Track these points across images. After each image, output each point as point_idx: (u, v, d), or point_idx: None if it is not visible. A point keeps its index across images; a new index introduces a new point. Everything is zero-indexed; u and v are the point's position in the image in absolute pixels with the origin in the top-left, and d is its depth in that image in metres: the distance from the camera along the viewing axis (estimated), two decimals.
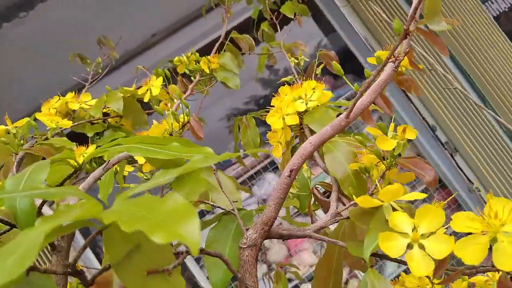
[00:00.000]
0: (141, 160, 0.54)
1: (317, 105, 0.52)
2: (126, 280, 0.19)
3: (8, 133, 0.54)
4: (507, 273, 0.22)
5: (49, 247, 0.28)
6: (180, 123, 0.49)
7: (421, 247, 0.23)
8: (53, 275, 0.23)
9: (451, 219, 0.27)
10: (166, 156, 0.24)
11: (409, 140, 0.43)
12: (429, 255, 0.22)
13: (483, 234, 0.22)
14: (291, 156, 0.52)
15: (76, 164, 0.32)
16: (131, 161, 0.63)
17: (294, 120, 0.51)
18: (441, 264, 0.23)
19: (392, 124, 0.42)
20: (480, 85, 2.46)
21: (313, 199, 0.47)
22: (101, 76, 0.90)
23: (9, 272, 0.13)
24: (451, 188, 2.61)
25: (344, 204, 0.39)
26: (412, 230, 0.24)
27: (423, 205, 0.24)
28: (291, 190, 0.46)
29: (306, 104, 0.51)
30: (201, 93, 0.82)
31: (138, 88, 0.70)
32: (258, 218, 0.28)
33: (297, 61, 0.72)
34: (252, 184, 2.66)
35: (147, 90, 0.66)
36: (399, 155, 0.40)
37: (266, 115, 0.69)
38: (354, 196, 0.40)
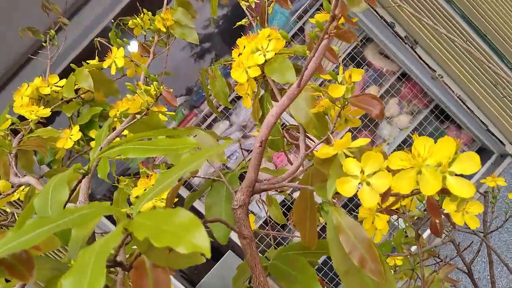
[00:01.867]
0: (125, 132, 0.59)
1: (275, 54, 0.56)
2: (155, 259, 0.26)
3: None
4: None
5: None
6: (154, 96, 0.53)
7: (368, 184, 0.30)
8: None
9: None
10: (160, 153, 0.29)
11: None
12: (374, 190, 0.30)
13: (411, 169, 0.29)
14: (259, 105, 0.58)
15: (84, 171, 0.37)
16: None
17: (256, 72, 0.56)
18: (385, 195, 0.30)
19: (341, 68, 0.47)
20: None
21: (286, 141, 0.54)
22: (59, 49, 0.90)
23: None
24: (415, 79, 2.72)
25: (311, 145, 0.46)
26: (360, 172, 0.31)
27: (366, 152, 0.31)
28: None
29: (264, 55, 0.56)
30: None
31: (101, 61, 0.72)
32: (243, 182, 0.34)
33: (247, 3, 0.74)
34: (230, 114, 2.71)
35: (112, 62, 0.68)
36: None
37: (230, 62, 0.73)
38: (318, 136, 0.47)
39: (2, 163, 0.57)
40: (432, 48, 2.50)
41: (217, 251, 2.87)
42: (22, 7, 1.73)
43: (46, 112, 0.64)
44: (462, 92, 2.60)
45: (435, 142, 0.30)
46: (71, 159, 0.68)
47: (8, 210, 0.68)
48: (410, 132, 2.83)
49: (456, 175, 0.28)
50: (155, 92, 0.52)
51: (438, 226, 0.46)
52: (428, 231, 2.65)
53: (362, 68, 2.79)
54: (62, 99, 0.73)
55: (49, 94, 0.72)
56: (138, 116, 0.53)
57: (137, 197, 0.49)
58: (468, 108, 2.62)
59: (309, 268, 0.36)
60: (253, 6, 0.75)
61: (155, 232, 0.20)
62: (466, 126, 2.75)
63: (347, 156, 0.32)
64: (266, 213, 0.86)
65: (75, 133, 0.64)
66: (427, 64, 2.57)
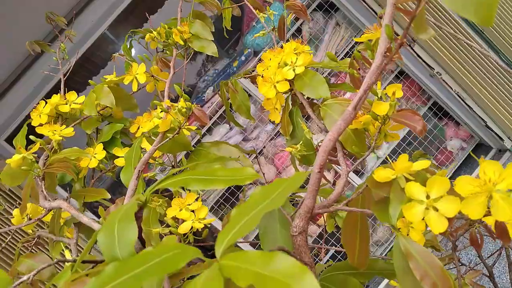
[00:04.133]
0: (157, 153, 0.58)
1: (305, 68, 0.55)
2: None
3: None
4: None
5: None
6: (186, 115, 0.53)
7: (435, 209, 0.30)
8: None
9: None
10: (223, 184, 0.29)
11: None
12: (443, 215, 0.29)
13: (481, 194, 0.28)
14: (289, 119, 0.58)
15: (141, 203, 0.36)
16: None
17: (285, 87, 0.55)
18: (451, 219, 0.30)
19: (379, 83, 0.47)
20: None
21: None
22: (71, 67, 0.89)
23: None
24: (413, 77, 2.73)
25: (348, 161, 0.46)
26: (426, 197, 0.30)
27: (431, 176, 0.30)
28: (299, 152, 0.52)
29: (294, 70, 0.55)
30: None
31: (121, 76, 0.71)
32: (299, 209, 0.34)
33: (265, 15, 0.74)
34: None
35: (133, 78, 0.67)
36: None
37: (249, 75, 0.72)
38: (357, 152, 0.47)
39: (30, 187, 0.56)
40: (429, 46, 2.51)
41: None
42: (22, 17, 1.71)
43: (70, 132, 0.63)
44: (460, 88, 2.62)
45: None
46: (94, 178, 0.67)
47: (30, 231, 0.67)
48: (409, 130, 2.85)
49: None
50: (186, 111, 0.52)
51: (479, 239, 0.46)
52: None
53: (360, 68, 2.80)
54: (81, 116, 0.72)
55: (66, 112, 0.71)
56: (169, 135, 0.53)
57: (174, 218, 0.48)
58: (467, 104, 2.64)
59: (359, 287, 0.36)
60: (272, 18, 0.74)
61: (259, 278, 0.19)
62: (464, 122, 2.77)
63: (407, 180, 0.32)
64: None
65: (99, 152, 0.63)
66: (425, 62, 2.58)
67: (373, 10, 2.50)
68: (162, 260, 0.22)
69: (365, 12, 2.52)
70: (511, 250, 0.84)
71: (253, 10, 0.75)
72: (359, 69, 0.51)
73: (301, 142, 0.52)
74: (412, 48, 2.56)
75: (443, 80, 2.60)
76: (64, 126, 0.65)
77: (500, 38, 2.58)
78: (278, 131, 2.70)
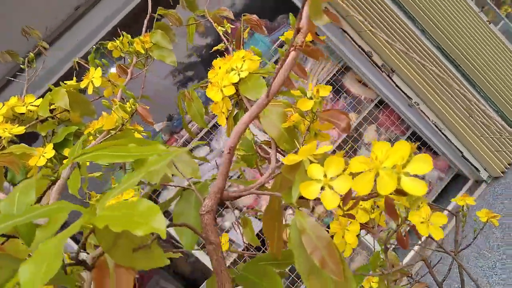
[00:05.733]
0: None
1: (249, 73, 0.58)
2: (118, 259, 0.26)
3: None
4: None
5: None
6: (129, 112, 0.54)
7: (330, 187, 0.31)
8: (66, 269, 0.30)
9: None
10: (131, 159, 0.30)
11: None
12: (336, 192, 0.31)
13: (370, 171, 0.30)
14: (234, 122, 0.59)
15: (54, 178, 0.37)
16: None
17: (230, 91, 0.57)
18: (346, 196, 0.31)
19: (310, 84, 0.49)
20: (407, 6, 2.57)
21: (259, 156, 0.55)
22: (38, 71, 0.91)
23: (37, 278, 0.20)
24: (392, 106, 2.79)
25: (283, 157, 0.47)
26: (324, 176, 0.32)
27: (329, 156, 0.32)
28: (238, 153, 0.53)
29: (239, 74, 0.57)
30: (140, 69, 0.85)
31: (80, 81, 0.72)
32: (211, 188, 0.35)
33: (223, 29, 0.77)
34: (211, 139, 2.72)
35: (89, 82, 0.69)
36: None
37: (206, 85, 0.74)
38: (288, 150, 0.48)
39: None
40: (408, 76, 2.59)
41: (192, 281, 2.81)
42: (1, 31, 1.73)
43: (20, 130, 0.63)
44: (438, 119, 2.68)
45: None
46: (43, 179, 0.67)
47: None
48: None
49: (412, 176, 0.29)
50: (130, 108, 0.53)
51: (404, 238, 0.48)
52: (410, 255, 2.65)
53: (340, 95, 2.86)
54: (37, 118, 0.73)
55: (24, 114, 0.72)
56: (112, 132, 0.54)
57: None
58: (444, 135, 2.70)
59: (274, 276, 0.37)
60: (229, 31, 0.77)
61: (114, 219, 0.21)
62: (442, 153, 2.82)
63: (311, 163, 0.34)
64: (243, 239, 0.86)
65: (49, 151, 0.64)
66: (403, 92, 2.65)
67: (356, 43, 2.58)
68: (42, 211, 0.24)
69: (348, 44, 2.60)
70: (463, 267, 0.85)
71: (213, 23, 0.78)
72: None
73: (240, 142, 0.54)
74: (391, 78, 2.63)
75: (421, 110, 2.66)
76: (16, 125, 0.66)
77: (476, 71, 2.67)
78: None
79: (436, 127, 2.69)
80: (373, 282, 0.90)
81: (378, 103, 2.87)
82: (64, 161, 0.43)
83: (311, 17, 0.35)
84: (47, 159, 0.64)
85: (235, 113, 0.60)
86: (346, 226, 0.54)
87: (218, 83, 0.59)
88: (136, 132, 0.65)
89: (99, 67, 0.69)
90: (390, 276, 0.81)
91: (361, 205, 0.54)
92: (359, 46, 2.57)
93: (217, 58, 0.65)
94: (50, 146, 0.65)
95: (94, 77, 0.68)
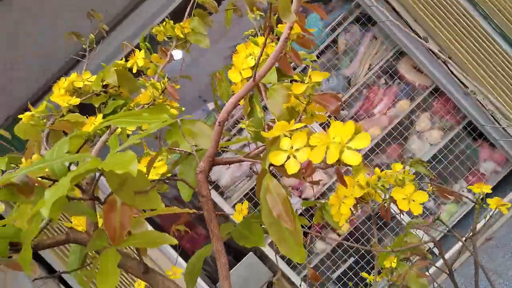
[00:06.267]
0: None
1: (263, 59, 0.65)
2: (123, 199, 0.36)
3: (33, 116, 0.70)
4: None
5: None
6: (159, 89, 0.64)
7: (294, 157, 0.39)
8: (84, 202, 0.41)
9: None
10: (137, 124, 0.39)
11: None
12: (297, 160, 0.38)
13: (323, 145, 0.37)
14: (249, 102, 0.67)
15: (85, 137, 0.48)
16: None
17: (248, 74, 0.65)
18: (308, 165, 0.38)
19: (310, 70, 0.55)
20: None
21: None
22: (96, 50, 1.04)
23: (54, 195, 0.29)
24: (448, 94, 2.70)
25: None
26: (290, 148, 0.39)
27: (296, 132, 0.39)
28: (249, 129, 0.61)
29: (255, 59, 0.65)
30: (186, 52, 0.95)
31: (127, 60, 0.84)
32: (206, 154, 0.43)
33: (253, 16, 0.84)
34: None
35: (134, 62, 0.80)
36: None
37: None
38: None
39: (37, 142, 0.70)
40: (465, 64, 2.49)
41: (240, 253, 2.96)
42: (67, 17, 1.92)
43: (76, 101, 0.76)
44: (495, 109, 2.56)
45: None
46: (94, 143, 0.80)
47: None
48: (441, 148, 2.81)
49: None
50: (161, 86, 0.63)
51: (385, 209, 0.53)
52: (455, 248, 2.60)
53: (394, 81, 2.82)
54: (92, 92, 0.85)
55: (81, 88, 0.85)
56: (146, 106, 0.64)
57: None
58: (501, 126, 2.58)
59: (259, 230, 0.45)
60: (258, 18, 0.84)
61: (108, 164, 0.30)
62: (500, 145, 2.70)
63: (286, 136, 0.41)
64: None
65: (98, 120, 0.76)
66: (459, 80, 2.56)
67: (410, 27, 2.52)
68: (72, 157, 0.33)
69: (404, 28, 2.54)
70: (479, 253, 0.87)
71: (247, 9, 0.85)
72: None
73: (251, 119, 0.61)
74: (446, 65, 2.55)
75: (477, 100, 2.56)
76: (74, 97, 0.78)
77: None
78: None
79: (493, 117, 2.58)
80: (393, 262, 0.96)
81: (433, 91, 2.79)
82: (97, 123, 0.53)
83: (281, 16, 0.42)
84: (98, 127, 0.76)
85: (250, 94, 0.68)
86: (342, 199, 0.61)
87: (239, 66, 0.67)
88: (172, 108, 0.76)
89: (143, 50, 0.80)
90: (400, 253, 0.86)
91: (357, 181, 0.61)
92: (415, 31, 2.51)
93: None
94: (100, 116, 0.77)
95: (138, 58, 0.79)
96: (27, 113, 0.70)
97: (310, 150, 0.38)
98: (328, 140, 0.36)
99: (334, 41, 2.76)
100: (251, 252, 2.72)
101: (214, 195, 2.68)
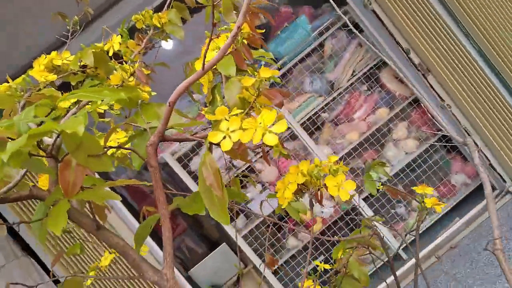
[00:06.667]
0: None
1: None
2: (78, 159, 0.41)
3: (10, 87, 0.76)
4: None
5: None
6: (128, 73, 0.70)
7: (229, 137, 0.45)
8: (47, 162, 0.46)
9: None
10: (96, 98, 0.45)
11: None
12: (231, 140, 0.45)
13: (252, 128, 0.43)
14: (212, 91, 0.74)
15: (52, 106, 0.53)
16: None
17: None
18: (240, 145, 0.45)
19: (262, 66, 0.62)
20: (453, 8, 2.54)
21: None
22: (79, 32, 1.09)
23: (13, 146, 0.35)
24: (426, 106, 2.80)
25: None
26: (227, 129, 0.46)
27: (231, 117, 0.46)
28: (207, 115, 0.67)
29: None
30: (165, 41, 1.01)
31: (105, 44, 0.89)
32: (156, 130, 0.50)
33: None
34: None
35: (111, 46, 0.85)
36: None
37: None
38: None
39: (13, 111, 0.75)
40: (443, 78, 2.59)
41: (214, 244, 3.03)
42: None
43: (53, 77, 0.81)
44: (468, 124, 2.67)
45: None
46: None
47: None
48: (416, 157, 2.91)
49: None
50: (130, 70, 0.69)
51: (319, 195, 0.60)
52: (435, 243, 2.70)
53: (375, 89, 2.90)
54: (70, 71, 0.91)
55: (60, 66, 0.90)
56: (115, 87, 0.70)
57: None
58: (473, 141, 2.68)
59: (202, 200, 0.51)
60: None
61: (62, 126, 0.36)
62: (471, 158, 2.81)
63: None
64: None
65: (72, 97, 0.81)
66: (437, 93, 2.66)
67: (393, 37, 2.61)
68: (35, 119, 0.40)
69: (387, 38, 2.63)
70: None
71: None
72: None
73: (210, 107, 0.68)
74: (425, 78, 2.64)
75: (453, 114, 2.66)
76: (52, 74, 0.84)
77: None
78: (287, 135, 2.84)
79: (466, 132, 2.68)
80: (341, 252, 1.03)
81: (412, 101, 2.88)
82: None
83: (224, 17, 0.48)
84: (71, 103, 0.81)
85: (214, 84, 0.74)
86: (287, 185, 0.68)
87: (202, 58, 0.73)
88: (144, 92, 0.81)
89: (120, 35, 0.85)
90: (347, 243, 0.93)
91: (301, 170, 0.67)
92: (398, 43, 2.60)
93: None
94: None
95: (115, 42, 0.85)
96: (5, 84, 0.75)
97: (242, 132, 0.44)
98: (256, 125, 0.43)
99: (321, 45, 2.83)
100: (224, 243, 2.79)
101: (191, 183, 2.73)
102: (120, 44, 0.85)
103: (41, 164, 0.44)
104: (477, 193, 2.92)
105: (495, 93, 2.58)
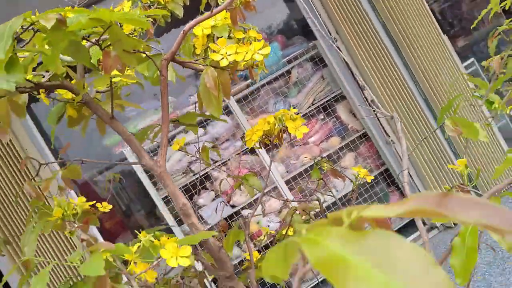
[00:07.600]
0: None
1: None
2: (117, 51, 0.57)
3: None
4: None
5: None
6: None
7: (226, 58, 0.63)
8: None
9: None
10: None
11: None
12: (228, 60, 0.62)
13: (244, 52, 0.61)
14: (205, 52, 0.91)
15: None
16: None
17: (208, 31, 0.90)
18: (233, 67, 0.62)
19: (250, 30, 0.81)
20: (405, 54, 2.90)
21: None
22: None
23: (74, 24, 0.51)
24: (373, 141, 3.09)
25: None
26: (225, 53, 0.63)
27: (230, 45, 0.63)
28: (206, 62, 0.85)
29: (215, 22, 0.89)
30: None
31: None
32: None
33: None
34: (207, 124, 3.04)
35: (121, 9, 1.02)
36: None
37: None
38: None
39: None
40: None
41: None
42: None
43: None
44: (408, 162, 2.97)
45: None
46: None
47: None
48: (357, 186, 3.16)
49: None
50: None
51: (280, 137, 0.78)
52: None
53: (330, 119, 3.18)
54: None
55: None
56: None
57: None
58: (411, 178, 2.98)
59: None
60: None
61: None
62: (408, 195, 3.10)
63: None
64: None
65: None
66: (384, 130, 2.96)
67: (352, 73, 2.91)
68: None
69: (348, 75, 2.93)
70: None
71: None
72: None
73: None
74: (376, 115, 2.95)
75: (395, 149, 2.96)
76: None
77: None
78: (246, 148, 3.02)
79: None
80: (290, 231, 1.19)
81: (362, 135, 3.18)
82: None
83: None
84: None
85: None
86: (255, 131, 0.85)
87: (203, 25, 0.91)
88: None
89: (130, 1, 1.02)
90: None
91: (268, 122, 0.85)
92: (355, 77, 2.90)
93: None
94: None
95: (125, 6, 1.01)
96: None
97: (236, 54, 0.62)
98: (248, 49, 0.61)
99: (288, 72, 3.09)
100: None
101: (147, 183, 2.81)
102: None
103: (81, 47, 0.59)
104: (411, 224, 3.20)
105: (434, 136, 2.91)
